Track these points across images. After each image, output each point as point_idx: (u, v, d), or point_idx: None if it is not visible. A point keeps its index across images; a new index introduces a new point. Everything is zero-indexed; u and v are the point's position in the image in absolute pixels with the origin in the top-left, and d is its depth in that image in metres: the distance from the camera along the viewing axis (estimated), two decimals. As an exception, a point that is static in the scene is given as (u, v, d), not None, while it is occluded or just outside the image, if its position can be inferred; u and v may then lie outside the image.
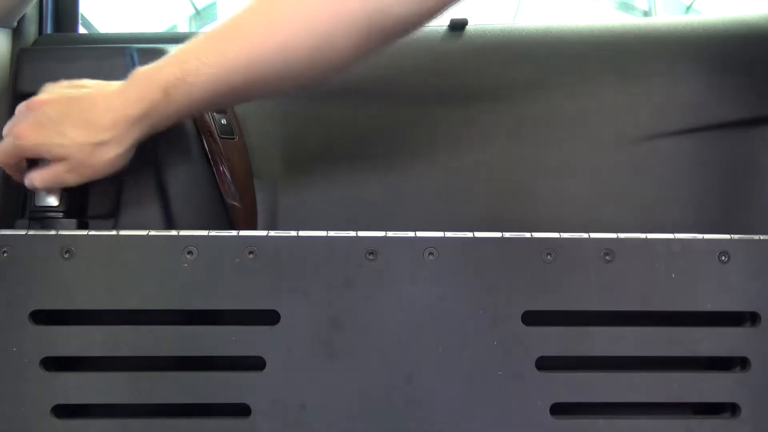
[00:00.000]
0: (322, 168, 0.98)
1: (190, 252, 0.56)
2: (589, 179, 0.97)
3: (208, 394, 0.57)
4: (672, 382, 0.58)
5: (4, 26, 0.90)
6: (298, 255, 0.56)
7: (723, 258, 0.57)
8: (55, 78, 0.64)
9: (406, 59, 0.96)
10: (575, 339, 0.58)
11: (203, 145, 0.78)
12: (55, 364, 0.57)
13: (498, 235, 0.58)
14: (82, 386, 0.57)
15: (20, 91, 0.71)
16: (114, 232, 0.57)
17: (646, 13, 6.97)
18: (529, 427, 0.57)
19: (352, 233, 0.57)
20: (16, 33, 0.94)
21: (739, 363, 0.58)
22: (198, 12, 7.37)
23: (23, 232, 0.56)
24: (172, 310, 0.58)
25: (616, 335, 0.58)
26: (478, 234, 0.57)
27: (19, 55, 0.77)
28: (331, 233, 0.57)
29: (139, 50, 0.75)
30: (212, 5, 7.41)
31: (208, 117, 0.82)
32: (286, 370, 0.56)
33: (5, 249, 0.56)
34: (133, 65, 0.70)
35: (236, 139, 0.91)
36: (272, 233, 0.57)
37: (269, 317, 0.56)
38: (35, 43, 1.00)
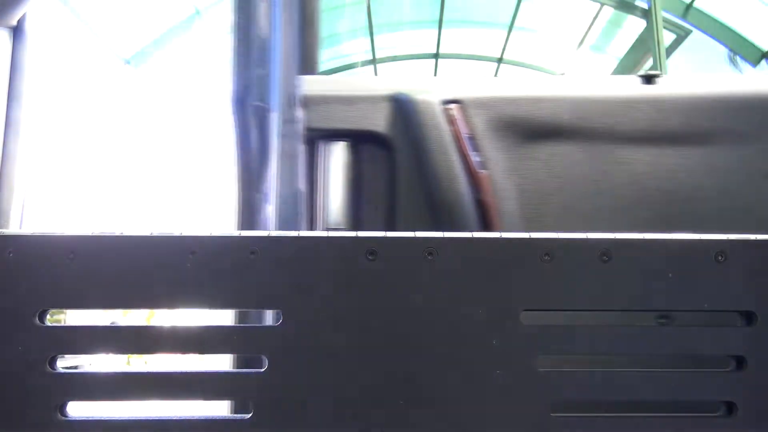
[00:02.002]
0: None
1: (193, 252, 0.56)
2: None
3: (210, 393, 0.58)
4: (669, 380, 0.59)
5: (4, 26, 0.90)
6: (299, 255, 0.57)
7: (720, 258, 0.58)
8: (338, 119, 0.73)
9: (604, 105, 0.98)
10: (573, 338, 0.59)
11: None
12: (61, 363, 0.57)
13: (497, 235, 0.58)
14: (88, 385, 0.57)
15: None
16: (117, 233, 0.57)
17: (645, 12, 6.95)
18: (529, 424, 0.57)
19: (352, 233, 0.57)
20: (16, 32, 0.94)
21: (735, 361, 0.59)
22: (198, 12, 7.36)
23: (28, 233, 0.57)
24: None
25: (612, 334, 0.59)
26: (477, 234, 0.58)
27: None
28: (332, 233, 0.57)
29: (410, 98, 0.81)
30: (212, 6, 7.39)
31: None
32: (286, 369, 0.57)
33: (11, 250, 0.56)
34: (404, 112, 0.77)
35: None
36: (273, 233, 0.57)
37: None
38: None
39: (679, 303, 0.58)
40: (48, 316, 0.57)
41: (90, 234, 0.57)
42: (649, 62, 6.95)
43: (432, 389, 0.57)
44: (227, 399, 0.57)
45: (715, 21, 6.90)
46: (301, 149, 0.85)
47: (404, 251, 0.57)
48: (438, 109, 0.85)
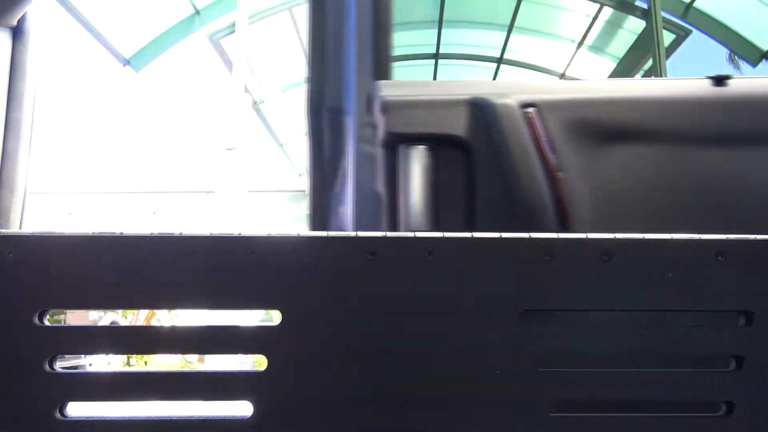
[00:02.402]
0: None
1: (193, 252, 0.56)
2: None
3: (211, 392, 0.58)
4: (668, 380, 0.59)
5: (4, 26, 0.90)
6: (298, 255, 0.57)
7: (719, 258, 0.58)
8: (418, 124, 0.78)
9: (677, 107, 0.99)
10: (572, 338, 0.59)
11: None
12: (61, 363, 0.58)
13: (497, 235, 0.58)
14: (88, 385, 0.57)
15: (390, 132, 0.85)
16: (117, 233, 0.57)
17: (645, 12, 6.96)
18: (529, 424, 0.57)
19: (352, 233, 0.57)
20: (16, 32, 0.94)
21: (735, 361, 0.59)
22: (198, 12, 7.36)
23: (28, 233, 0.57)
24: None
25: (612, 334, 0.59)
26: (476, 234, 0.58)
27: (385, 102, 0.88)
28: (332, 233, 0.57)
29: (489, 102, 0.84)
30: (212, 5, 7.39)
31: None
32: (287, 369, 0.57)
33: (11, 250, 0.56)
34: (483, 115, 0.81)
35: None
36: (273, 234, 0.57)
37: None
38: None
39: (679, 303, 0.58)
40: (48, 316, 0.57)
41: (90, 234, 0.57)
42: (649, 62, 6.96)
43: (432, 389, 0.57)
44: (227, 399, 0.57)
45: (715, 21, 6.91)
46: (379, 153, 0.86)
47: (404, 251, 0.57)
48: (517, 112, 0.86)
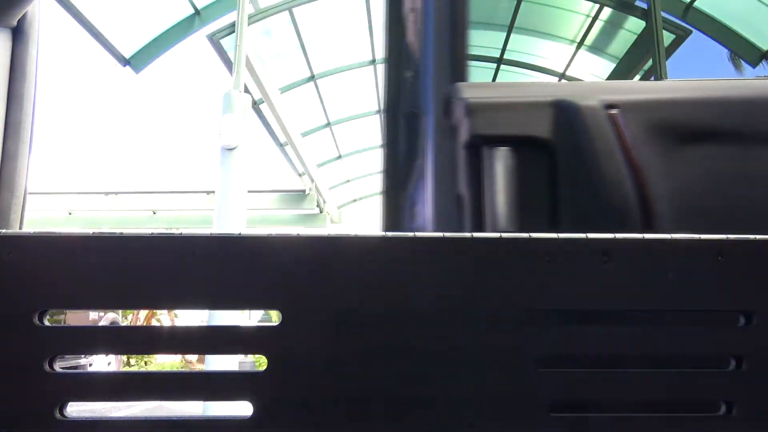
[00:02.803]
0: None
1: (193, 252, 0.56)
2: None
3: (211, 393, 0.58)
4: (667, 380, 0.59)
5: (4, 26, 0.90)
6: (297, 255, 0.57)
7: (719, 258, 0.58)
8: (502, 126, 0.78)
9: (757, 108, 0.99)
10: (572, 338, 0.59)
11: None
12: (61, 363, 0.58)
13: (497, 235, 0.58)
14: (88, 385, 0.58)
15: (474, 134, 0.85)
16: (117, 233, 0.57)
17: (645, 12, 6.95)
18: (528, 424, 0.57)
19: (352, 233, 0.57)
20: (16, 32, 0.94)
21: (735, 361, 0.59)
22: (198, 12, 7.36)
23: (28, 233, 0.57)
24: None
25: (612, 334, 0.59)
26: (476, 234, 0.58)
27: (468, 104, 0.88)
28: (331, 233, 0.57)
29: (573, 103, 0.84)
30: (212, 5, 7.39)
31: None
32: (287, 369, 0.57)
33: (11, 250, 0.56)
34: (567, 117, 0.82)
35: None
36: (273, 234, 0.57)
37: None
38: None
39: (679, 303, 0.58)
40: (47, 317, 0.57)
41: (90, 234, 0.58)
42: (649, 62, 6.96)
43: (431, 389, 0.57)
44: (227, 399, 0.57)
45: (715, 21, 6.91)
46: (460, 154, 0.87)
47: (404, 251, 0.57)
48: (602, 113, 0.86)
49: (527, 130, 0.86)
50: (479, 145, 0.85)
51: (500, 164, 0.84)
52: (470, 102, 0.87)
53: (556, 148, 0.85)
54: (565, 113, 0.86)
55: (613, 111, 0.87)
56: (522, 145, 0.85)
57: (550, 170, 0.85)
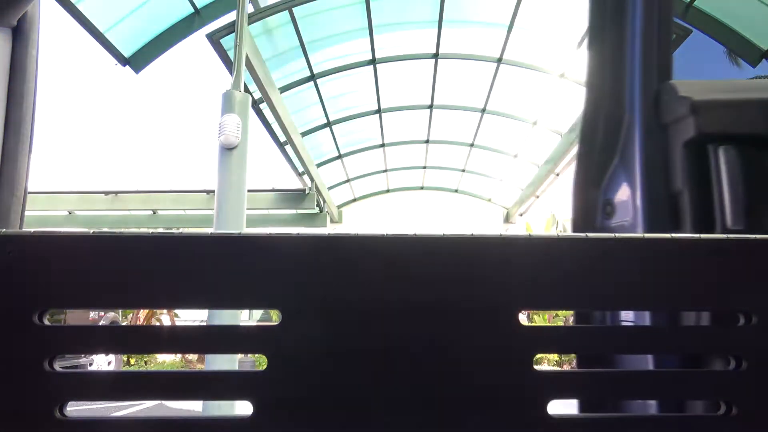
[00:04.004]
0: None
1: (193, 251, 0.56)
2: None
3: (212, 392, 0.58)
4: (667, 380, 0.59)
5: (4, 25, 0.90)
6: (297, 254, 0.57)
7: (719, 257, 0.58)
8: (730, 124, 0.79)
9: None
10: (571, 337, 0.59)
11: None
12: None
13: (496, 235, 0.58)
14: (88, 384, 0.58)
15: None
16: (117, 233, 0.57)
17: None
18: (527, 424, 0.58)
19: (352, 233, 0.57)
20: (16, 32, 0.94)
21: (735, 361, 0.59)
22: (197, 11, 7.35)
23: (28, 233, 0.57)
24: None
25: (611, 334, 0.59)
26: (476, 234, 0.58)
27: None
28: (331, 233, 0.58)
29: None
30: (212, 4, 7.38)
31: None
32: (287, 368, 0.57)
33: (11, 250, 0.56)
34: None
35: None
36: (273, 233, 0.57)
37: None
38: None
39: (679, 302, 0.58)
40: (47, 316, 0.57)
41: (90, 233, 0.58)
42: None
43: (430, 389, 0.57)
44: (227, 399, 0.58)
45: (715, 21, 6.91)
46: (673, 152, 0.86)
47: (404, 250, 0.57)
48: None
49: (755, 127, 0.85)
50: (704, 143, 0.84)
51: (730, 162, 0.83)
52: (697, 100, 0.86)
53: None
54: None
55: None
56: (748, 143, 0.84)
57: None
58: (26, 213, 0.97)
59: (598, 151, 0.95)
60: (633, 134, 0.91)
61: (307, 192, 13.04)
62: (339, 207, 14.94)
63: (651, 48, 0.94)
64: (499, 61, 9.00)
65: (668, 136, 0.87)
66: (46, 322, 0.57)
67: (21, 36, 0.95)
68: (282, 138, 9.90)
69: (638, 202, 0.86)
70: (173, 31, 7.40)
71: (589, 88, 1.00)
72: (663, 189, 0.85)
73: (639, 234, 0.59)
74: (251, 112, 6.36)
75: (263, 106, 8.69)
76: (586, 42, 1.02)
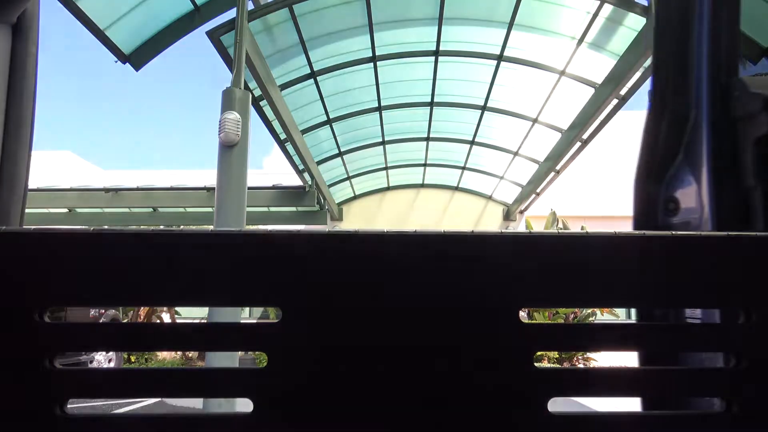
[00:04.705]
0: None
1: (194, 249, 0.56)
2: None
3: (212, 389, 0.58)
4: (666, 378, 0.59)
5: (4, 23, 0.90)
6: (299, 251, 0.57)
7: (720, 255, 0.58)
8: None
9: None
10: (571, 336, 0.59)
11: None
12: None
13: (496, 232, 0.58)
14: (88, 382, 0.58)
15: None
16: (117, 230, 0.57)
17: (645, 10, 6.95)
18: (527, 422, 0.58)
19: (352, 231, 0.57)
20: (16, 29, 0.94)
21: (735, 359, 0.59)
22: (197, 8, 7.34)
23: (28, 230, 0.57)
24: None
25: (611, 332, 0.59)
26: (477, 231, 0.58)
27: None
28: (331, 231, 0.58)
29: None
30: (212, 1, 7.37)
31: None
32: (288, 366, 0.57)
33: (10, 247, 0.56)
34: None
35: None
36: (273, 231, 0.57)
37: None
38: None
39: (679, 301, 0.59)
40: (48, 313, 0.58)
41: (91, 231, 0.58)
42: (649, 59, 6.95)
43: (430, 388, 0.57)
44: (228, 396, 0.58)
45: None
46: (747, 147, 0.86)
47: (404, 249, 0.57)
48: None
49: None
50: None
51: None
52: None
53: None
54: None
55: None
56: None
57: None
58: (26, 210, 0.97)
59: (661, 147, 0.94)
60: (700, 130, 0.90)
61: (307, 189, 13.03)
62: (339, 204, 14.93)
63: (719, 42, 0.93)
64: (500, 57, 8.99)
65: (738, 132, 0.86)
66: (47, 320, 0.57)
67: (20, 33, 0.95)
68: (282, 135, 9.90)
69: (706, 199, 0.85)
70: (173, 29, 7.38)
71: (654, 83, 0.99)
72: (732, 186, 0.84)
73: (639, 232, 0.59)
74: (251, 109, 6.35)
75: (263, 104, 8.68)
76: (650, 36, 1.00)
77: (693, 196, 0.88)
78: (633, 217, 0.96)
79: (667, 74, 0.96)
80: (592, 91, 8.80)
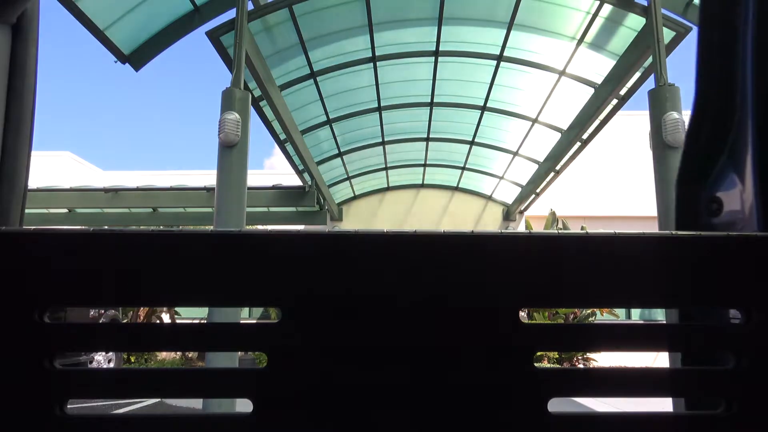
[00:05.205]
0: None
1: (194, 249, 0.56)
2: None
3: (212, 390, 0.58)
4: (666, 377, 0.59)
5: (4, 23, 0.90)
6: (298, 252, 0.57)
7: (719, 255, 0.58)
8: None
9: None
10: (571, 336, 0.59)
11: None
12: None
13: (496, 233, 0.58)
14: (88, 382, 0.58)
15: None
16: (117, 231, 0.57)
17: (645, 10, 6.94)
18: (527, 422, 0.58)
19: (352, 231, 0.57)
20: (15, 29, 0.94)
21: (735, 359, 0.59)
22: (197, 9, 7.34)
23: (28, 231, 0.57)
24: None
25: (611, 332, 0.59)
26: (477, 231, 0.58)
27: None
28: (331, 231, 0.58)
29: None
30: (211, 1, 7.37)
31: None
32: (288, 366, 0.57)
33: (10, 247, 0.56)
34: None
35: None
36: (274, 231, 0.57)
37: None
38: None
39: (678, 300, 0.59)
40: (48, 314, 0.58)
41: (90, 231, 0.58)
42: (649, 60, 6.96)
43: (430, 388, 0.57)
44: (228, 396, 0.58)
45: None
46: None
47: (404, 248, 0.57)
48: None
49: None
50: None
51: None
52: None
53: None
54: None
55: None
56: None
57: None
58: (26, 211, 0.97)
59: (704, 147, 0.94)
60: (745, 130, 0.90)
61: (307, 190, 13.03)
62: (339, 204, 14.93)
63: (765, 40, 0.93)
64: (500, 58, 8.99)
65: None
66: (47, 320, 0.57)
67: (20, 33, 0.95)
68: (282, 136, 9.90)
69: (750, 199, 0.85)
70: (173, 29, 7.38)
71: (698, 82, 0.99)
72: None
73: (638, 232, 0.59)
74: (251, 110, 6.35)
75: (263, 104, 8.68)
76: (696, 35, 1.00)
77: (737, 197, 0.87)
78: (675, 217, 0.96)
79: (711, 73, 0.96)
80: (591, 91, 8.81)
